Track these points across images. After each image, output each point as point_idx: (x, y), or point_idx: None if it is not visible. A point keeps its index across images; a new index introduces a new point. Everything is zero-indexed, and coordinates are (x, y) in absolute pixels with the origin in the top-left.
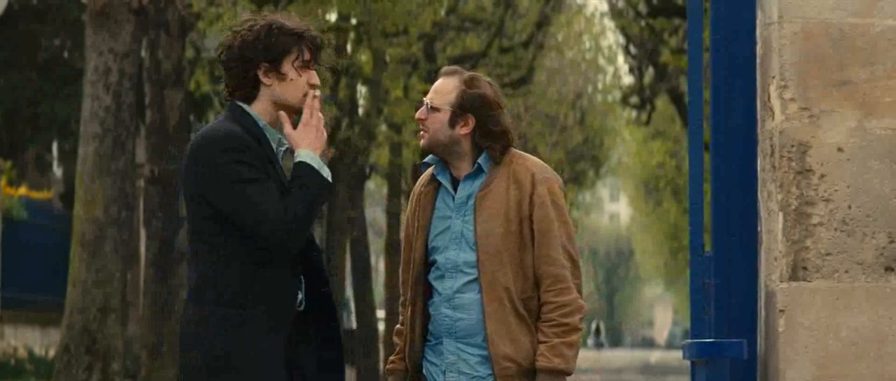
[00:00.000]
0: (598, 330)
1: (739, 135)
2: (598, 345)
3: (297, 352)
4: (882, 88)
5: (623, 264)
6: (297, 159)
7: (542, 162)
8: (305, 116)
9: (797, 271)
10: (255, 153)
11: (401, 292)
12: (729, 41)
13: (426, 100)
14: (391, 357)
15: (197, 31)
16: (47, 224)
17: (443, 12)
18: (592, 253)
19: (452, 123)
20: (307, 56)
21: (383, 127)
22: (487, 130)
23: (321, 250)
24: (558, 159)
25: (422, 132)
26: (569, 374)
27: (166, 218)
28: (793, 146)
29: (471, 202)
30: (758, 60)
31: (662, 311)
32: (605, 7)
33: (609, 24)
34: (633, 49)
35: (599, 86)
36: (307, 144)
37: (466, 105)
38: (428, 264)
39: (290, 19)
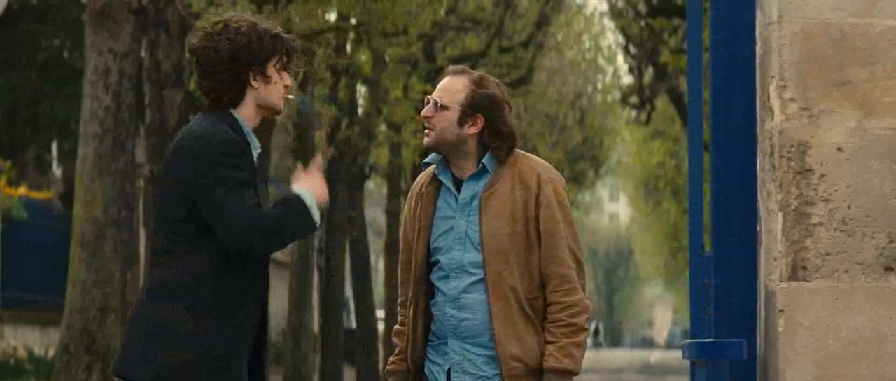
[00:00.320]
0: (596, 330)
1: (739, 135)
2: (597, 345)
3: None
4: (882, 88)
5: (623, 264)
6: (296, 191)
7: (545, 162)
8: (313, 168)
9: (797, 271)
10: (249, 160)
11: (399, 292)
12: (729, 41)
13: (434, 98)
14: (391, 358)
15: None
16: (47, 224)
17: (442, 12)
18: (592, 253)
19: (461, 122)
20: (285, 58)
21: (383, 127)
22: (496, 130)
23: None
24: (558, 159)
25: (427, 130)
26: (576, 374)
27: None
28: (792, 146)
29: (475, 202)
30: (757, 60)
31: (662, 311)
32: (604, 7)
33: (609, 23)
34: (632, 49)
35: (599, 86)
36: (312, 188)
37: (476, 105)
38: (430, 264)
39: (262, 20)
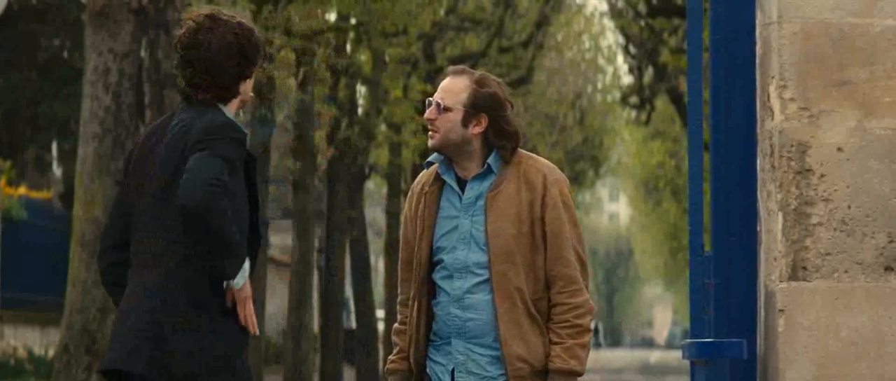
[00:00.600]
0: (596, 330)
1: (739, 135)
2: (596, 345)
3: None
4: (882, 88)
5: (622, 264)
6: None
7: (550, 163)
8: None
9: (797, 271)
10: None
11: (400, 290)
12: (728, 41)
13: (436, 99)
14: (391, 356)
15: None
16: (47, 224)
17: (442, 12)
18: (592, 253)
19: (466, 122)
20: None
21: (383, 127)
22: (500, 130)
23: None
24: (558, 159)
25: (431, 132)
26: (581, 375)
27: None
28: (792, 146)
29: (480, 203)
30: (757, 60)
31: (662, 311)
32: (604, 7)
33: (608, 23)
34: (632, 49)
35: (599, 86)
36: (246, 293)
37: (480, 104)
38: (432, 263)
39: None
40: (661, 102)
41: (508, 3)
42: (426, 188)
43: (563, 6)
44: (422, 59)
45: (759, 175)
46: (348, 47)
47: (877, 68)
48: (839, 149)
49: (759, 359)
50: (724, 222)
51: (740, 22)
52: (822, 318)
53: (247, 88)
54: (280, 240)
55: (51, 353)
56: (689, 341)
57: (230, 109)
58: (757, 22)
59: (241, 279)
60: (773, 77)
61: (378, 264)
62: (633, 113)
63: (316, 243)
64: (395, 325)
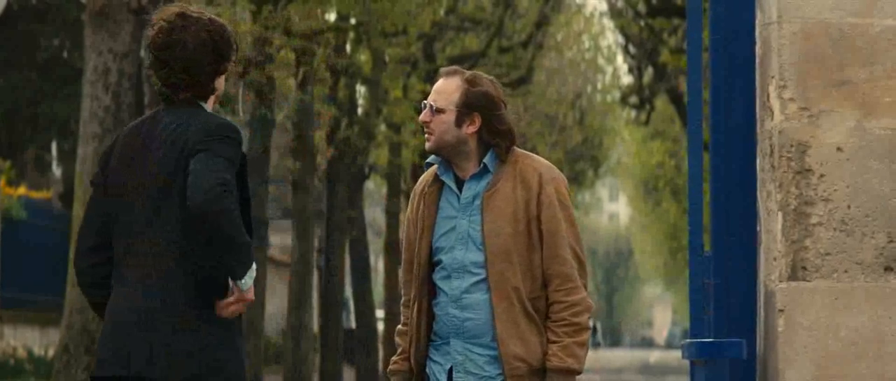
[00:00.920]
0: (595, 330)
1: (739, 135)
2: (595, 345)
3: None
4: (881, 88)
5: (622, 263)
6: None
7: (547, 162)
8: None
9: (796, 271)
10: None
11: (402, 292)
12: (728, 41)
13: (429, 102)
14: (394, 357)
15: None
16: (47, 224)
17: (442, 12)
18: (592, 253)
19: (459, 122)
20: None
21: (382, 127)
22: (494, 128)
23: None
24: (557, 159)
25: (427, 135)
26: (580, 373)
27: None
28: (792, 146)
29: (477, 202)
30: (757, 60)
31: (661, 311)
32: (604, 7)
33: (608, 23)
34: (632, 49)
35: (599, 86)
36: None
37: (472, 104)
38: (432, 264)
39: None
40: (661, 102)
41: (508, 3)
42: (426, 189)
43: (562, 6)
44: (421, 60)
45: (759, 175)
46: (348, 47)
47: (876, 68)
48: (839, 149)
49: (758, 359)
50: (723, 222)
51: (740, 22)
52: (821, 318)
53: (220, 83)
54: (280, 240)
55: (50, 353)
56: (688, 341)
57: (208, 106)
58: (757, 22)
59: (249, 280)
60: (772, 77)
61: (378, 264)
62: (633, 113)
63: (316, 243)
64: (399, 326)
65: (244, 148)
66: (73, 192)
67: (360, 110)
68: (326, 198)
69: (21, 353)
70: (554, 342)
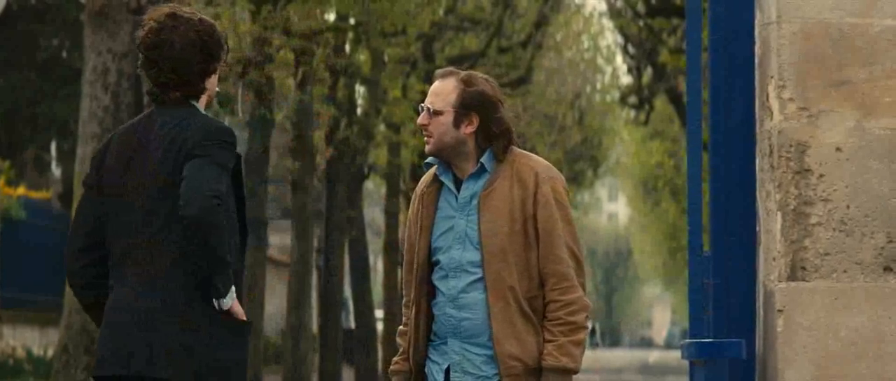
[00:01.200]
0: (593, 330)
1: (738, 135)
2: (594, 345)
3: None
4: (881, 88)
5: (621, 264)
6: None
7: (545, 161)
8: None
9: (796, 271)
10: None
11: (403, 292)
12: (728, 41)
13: (427, 104)
14: (395, 358)
15: None
16: (46, 224)
17: (441, 12)
18: (591, 253)
19: (457, 123)
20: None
21: (382, 127)
22: (491, 128)
23: None
24: (557, 159)
25: (426, 137)
26: (576, 373)
27: None
28: (791, 146)
29: (474, 202)
30: (756, 60)
31: (661, 311)
32: (603, 7)
33: (607, 23)
34: (631, 49)
35: (598, 86)
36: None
37: (469, 104)
38: (431, 264)
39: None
40: (660, 102)
41: (507, 3)
42: (425, 189)
43: (561, 6)
44: (421, 59)
45: (758, 175)
46: (347, 47)
47: (876, 68)
48: (838, 149)
49: (758, 359)
50: (723, 222)
51: (739, 22)
52: (821, 318)
53: (212, 83)
54: (279, 240)
55: (50, 353)
56: (688, 341)
57: (201, 106)
58: (756, 22)
59: (230, 300)
60: (772, 77)
61: (377, 264)
62: (632, 113)
63: (315, 243)
64: (400, 327)
65: (244, 148)
66: (73, 192)
67: (359, 110)
68: (326, 198)
69: (20, 353)
70: (550, 341)
